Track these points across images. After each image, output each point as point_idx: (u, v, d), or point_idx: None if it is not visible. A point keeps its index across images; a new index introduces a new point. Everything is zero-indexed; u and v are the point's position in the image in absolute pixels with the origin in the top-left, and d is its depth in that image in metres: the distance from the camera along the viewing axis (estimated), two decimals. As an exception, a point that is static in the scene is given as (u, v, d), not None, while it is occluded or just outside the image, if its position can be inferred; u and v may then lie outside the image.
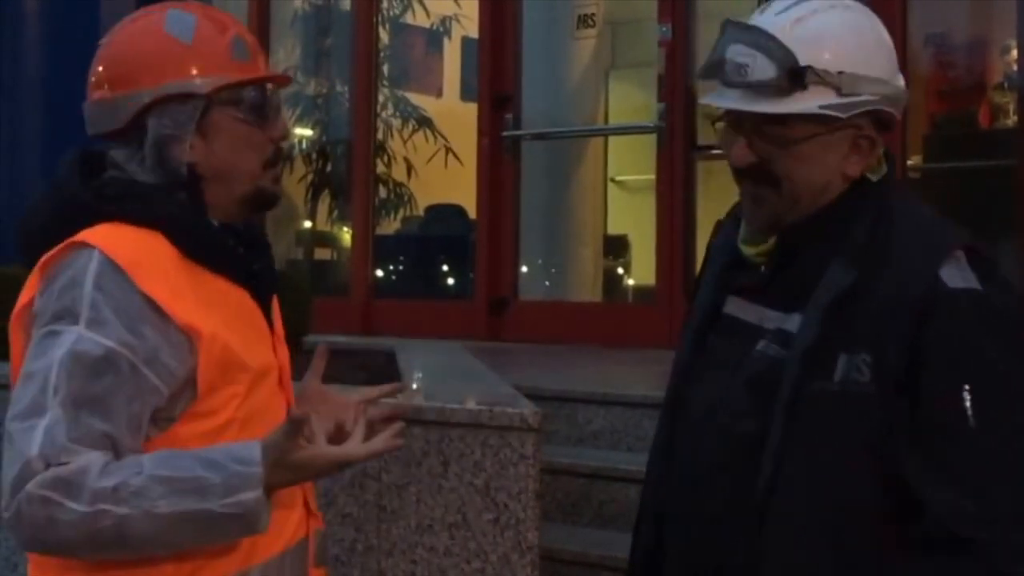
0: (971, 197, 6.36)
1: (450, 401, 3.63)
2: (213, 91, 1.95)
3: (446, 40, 10.19)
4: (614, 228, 9.10)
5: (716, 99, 1.97)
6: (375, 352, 5.88)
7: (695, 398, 2.06)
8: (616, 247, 9.05)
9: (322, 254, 9.40)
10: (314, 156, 9.08)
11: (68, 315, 1.83)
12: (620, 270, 9.14)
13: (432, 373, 5.08)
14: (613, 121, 9.16)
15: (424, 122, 9.66)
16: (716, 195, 6.67)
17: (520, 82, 7.35)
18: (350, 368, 4.87)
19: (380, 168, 8.64)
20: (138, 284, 1.84)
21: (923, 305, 1.84)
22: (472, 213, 7.68)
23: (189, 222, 1.93)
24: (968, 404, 1.81)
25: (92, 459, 1.76)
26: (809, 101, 1.90)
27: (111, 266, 1.85)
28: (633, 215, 8.62)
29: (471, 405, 3.59)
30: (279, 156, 2.04)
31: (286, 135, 2.07)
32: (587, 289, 8.62)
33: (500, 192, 7.22)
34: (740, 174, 1.99)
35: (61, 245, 1.88)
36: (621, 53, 9.26)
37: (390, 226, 9.15)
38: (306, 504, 2.05)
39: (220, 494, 1.76)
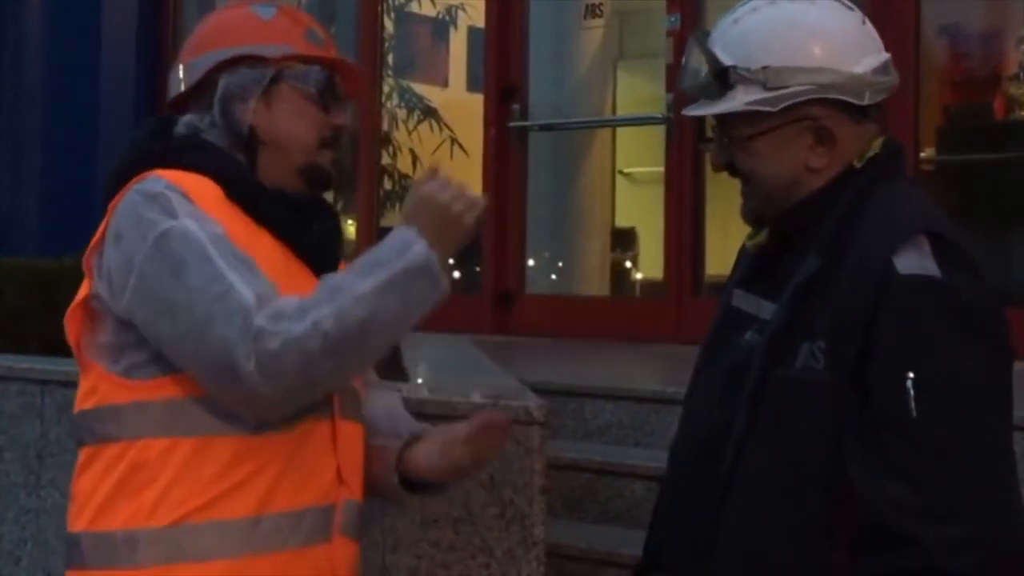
0: (986, 189, 6.32)
1: (455, 394, 3.60)
2: (283, 59, 2.11)
3: (452, 30, 10.12)
4: (622, 221, 9.05)
5: (687, 107, 2.07)
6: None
7: (701, 390, 2.08)
8: (624, 240, 9.00)
9: (327, 246, 9.37)
10: (319, 147, 9.03)
11: (165, 215, 1.96)
12: (628, 263, 9.10)
13: (437, 367, 5.06)
14: (621, 112, 9.10)
15: (430, 113, 9.59)
16: (725, 187, 6.58)
17: (527, 73, 7.32)
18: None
19: (385, 159, 8.60)
20: (202, 208, 1.99)
21: (874, 292, 1.82)
22: (478, 205, 7.63)
23: (241, 175, 2.07)
24: (911, 394, 1.79)
25: (290, 296, 1.93)
26: (738, 99, 1.96)
27: (179, 190, 2.00)
28: (641, 208, 8.58)
29: (477, 399, 3.59)
30: (337, 140, 2.16)
31: (346, 124, 2.18)
32: (594, 283, 8.59)
33: (507, 184, 7.17)
34: (727, 172, 2.05)
35: (128, 184, 2.04)
36: (629, 43, 9.20)
37: (395, 218, 9.10)
38: (338, 473, 2.08)
39: (396, 255, 1.94)
